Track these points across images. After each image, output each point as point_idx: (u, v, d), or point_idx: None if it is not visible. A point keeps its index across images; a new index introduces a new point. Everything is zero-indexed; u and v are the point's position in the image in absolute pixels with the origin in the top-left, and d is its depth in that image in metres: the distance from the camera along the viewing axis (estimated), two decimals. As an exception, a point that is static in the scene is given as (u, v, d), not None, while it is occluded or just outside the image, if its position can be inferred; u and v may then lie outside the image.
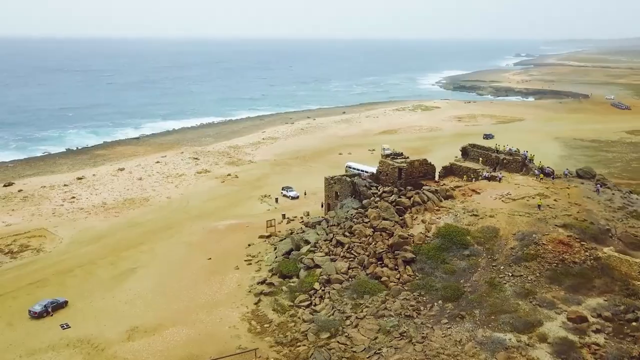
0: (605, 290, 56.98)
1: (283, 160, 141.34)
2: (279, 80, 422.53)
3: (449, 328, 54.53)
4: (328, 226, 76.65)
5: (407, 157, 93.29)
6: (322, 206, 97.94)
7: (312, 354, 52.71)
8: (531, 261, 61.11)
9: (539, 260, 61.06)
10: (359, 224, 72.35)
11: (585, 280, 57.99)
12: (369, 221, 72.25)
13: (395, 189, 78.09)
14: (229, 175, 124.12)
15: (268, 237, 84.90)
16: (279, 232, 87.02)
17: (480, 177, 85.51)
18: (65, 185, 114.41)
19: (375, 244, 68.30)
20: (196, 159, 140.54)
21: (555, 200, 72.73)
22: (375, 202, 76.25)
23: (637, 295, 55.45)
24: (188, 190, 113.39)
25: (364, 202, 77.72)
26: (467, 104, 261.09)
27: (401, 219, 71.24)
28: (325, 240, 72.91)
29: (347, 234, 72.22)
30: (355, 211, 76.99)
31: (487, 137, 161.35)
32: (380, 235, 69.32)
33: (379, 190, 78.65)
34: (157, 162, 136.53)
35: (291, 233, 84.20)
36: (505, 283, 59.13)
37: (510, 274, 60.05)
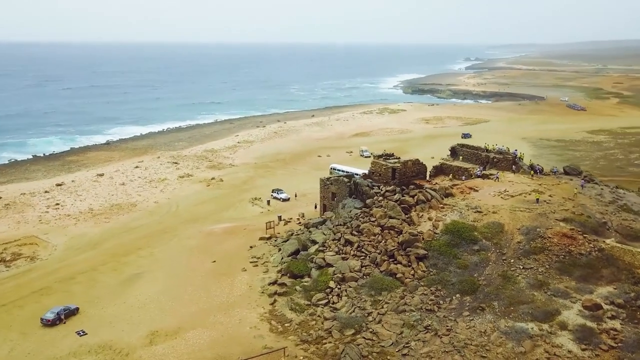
0: (613, 279, 59.83)
1: (264, 163, 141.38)
2: (238, 84, 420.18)
3: (471, 320, 56.25)
4: (334, 226, 77.49)
5: (399, 158, 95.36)
6: (315, 207, 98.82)
7: (343, 350, 53.42)
8: (539, 254, 63.55)
9: (546, 253, 63.55)
10: (366, 223, 73.57)
11: (593, 271, 60.74)
12: (376, 220, 73.58)
13: (398, 188, 79.67)
14: (213, 179, 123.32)
15: (268, 238, 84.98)
16: (278, 233, 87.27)
17: (473, 176, 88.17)
18: (46, 192, 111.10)
19: (385, 242, 69.62)
20: (175, 163, 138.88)
21: (550, 195, 75.81)
22: (379, 202, 77.73)
23: (645, 283, 58.60)
24: (174, 194, 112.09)
25: (368, 201, 78.95)
26: (431, 107, 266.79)
27: (407, 217, 72.85)
28: (333, 240, 73.76)
29: (355, 232, 73.29)
30: (360, 211, 78.18)
31: (465, 136, 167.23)
32: (389, 233, 70.77)
33: (382, 190, 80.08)
34: (136, 167, 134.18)
35: (292, 234, 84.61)
36: (517, 275, 61.29)
37: (522, 267, 62.30)
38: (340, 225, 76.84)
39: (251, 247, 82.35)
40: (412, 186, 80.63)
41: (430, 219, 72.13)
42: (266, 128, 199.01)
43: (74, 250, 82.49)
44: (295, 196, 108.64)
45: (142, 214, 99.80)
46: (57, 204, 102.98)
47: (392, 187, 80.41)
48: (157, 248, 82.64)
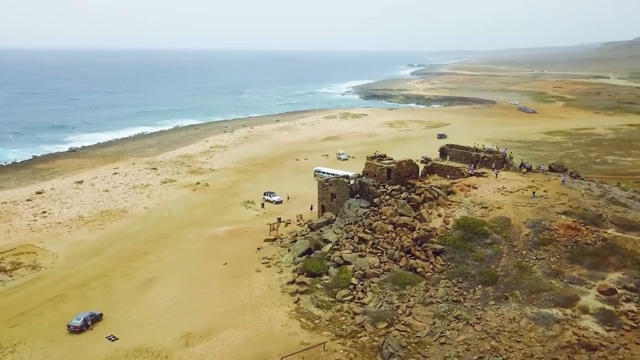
0: (620, 266, 64.04)
1: (244, 167, 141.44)
2: (190, 90, 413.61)
3: (498, 308, 59.18)
4: (345, 225, 79.15)
5: (391, 159, 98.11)
6: (311, 208, 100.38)
7: (384, 341, 55.14)
8: (548, 245, 67.24)
9: (554, 244, 67.29)
10: (378, 221, 75.67)
11: (601, 259, 64.82)
12: (387, 218, 75.80)
13: (404, 187, 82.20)
14: (199, 183, 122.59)
15: (273, 240, 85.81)
16: (281, 235, 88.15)
17: (466, 175, 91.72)
18: (28, 200, 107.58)
19: (399, 238, 71.92)
20: (154, 169, 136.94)
21: (545, 191, 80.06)
22: (386, 200, 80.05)
23: (650, 268, 63.16)
24: (162, 199, 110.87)
25: (375, 200, 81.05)
26: (390, 111, 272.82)
27: (417, 214, 75.38)
28: (347, 239, 75.44)
29: (367, 230, 75.27)
30: (367, 210, 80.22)
31: (441, 136, 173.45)
32: (402, 230, 73.11)
33: (388, 189, 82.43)
34: (115, 173, 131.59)
35: (296, 235, 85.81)
36: (532, 265, 64.71)
37: (534, 258, 65.78)
38: (351, 224, 78.61)
39: (258, 248, 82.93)
40: (417, 184, 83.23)
41: (439, 215, 74.91)
42: (234, 133, 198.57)
43: (77, 257, 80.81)
44: (288, 198, 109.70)
45: (135, 219, 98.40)
46: (44, 212, 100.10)
47: (398, 186, 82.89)
48: (164, 252, 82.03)
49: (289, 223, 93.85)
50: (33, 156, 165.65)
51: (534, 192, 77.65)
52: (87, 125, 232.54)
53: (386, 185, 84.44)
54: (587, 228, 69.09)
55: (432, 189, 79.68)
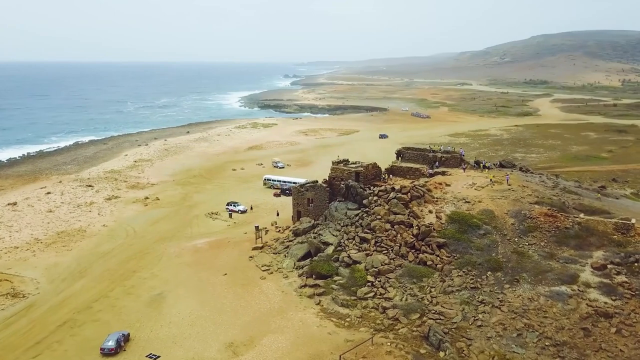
0: (600, 245, 72.41)
1: (184, 180, 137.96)
2: (69, 105, 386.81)
3: (514, 290, 64.96)
4: (342, 227, 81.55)
5: (355, 163, 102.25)
6: (277, 214, 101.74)
7: (430, 328, 58.66)
8: (534, 232, 74.53)
9: (539, 230, 74.76)
10: (376, 221, 79.10)
11: (582, 240, 72.89)
12: (382, 217, 79.51)
13: (389, 188, 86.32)
14: (147, 198, 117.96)
15: (261, 248, 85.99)
16: (266, 242, 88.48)
17: (427, 174, 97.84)
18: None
19: (400, 235, 75.90)
20: (90, 186, 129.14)
21: (509, 184, 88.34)
22: (375, 201, 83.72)
23: (622, 245, 72.30)
24: (117, 217, 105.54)
25: (364, 201, 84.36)
26: (296, 120, 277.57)
27: (410, 212, 79.87)
28: (348, 240, 78.02)
29: (367, 230, 78.41)
30: (359, 211, 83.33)
31: (382, 136, 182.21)
32: (400, 227, 77.19)
33: (375, 190, 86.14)
34: (49, 192, 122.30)
35: (283, 242, 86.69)
36: (528, 250, 71.50)
37: (527, 244, 72.70)
38: (348, 225, 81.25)
39: (250, 257, 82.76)
40: (403, 184, 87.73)
41: (430, 212, 79.96)
42: (150, 146, 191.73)
43: (61, 281, 75.48)
44: (251, 208, 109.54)
45: (100, 238, 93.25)
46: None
47: (384, 187, 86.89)
48: (153, 269, 79.08)
49: (268, 231, 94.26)
50: None
51: (491, 179, 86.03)
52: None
53: (371, 187, 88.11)
54: (561, 214, 77.54)
55: (417, 188, 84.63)
